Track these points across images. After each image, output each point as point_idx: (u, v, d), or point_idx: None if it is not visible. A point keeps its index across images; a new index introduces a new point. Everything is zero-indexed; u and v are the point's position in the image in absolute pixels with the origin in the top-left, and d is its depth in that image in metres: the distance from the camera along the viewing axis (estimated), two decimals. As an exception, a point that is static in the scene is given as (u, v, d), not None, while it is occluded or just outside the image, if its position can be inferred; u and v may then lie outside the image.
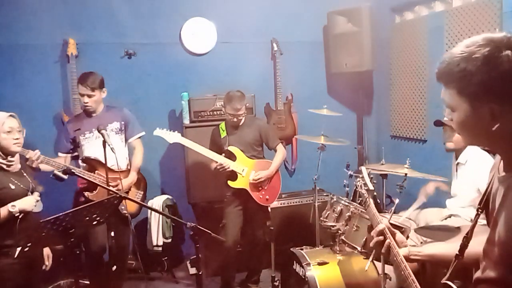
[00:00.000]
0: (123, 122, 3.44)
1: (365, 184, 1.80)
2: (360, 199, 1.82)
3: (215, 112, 4.10)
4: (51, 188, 2.80)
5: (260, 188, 3.59)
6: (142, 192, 3.53)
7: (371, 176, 1.98)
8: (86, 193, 3.19)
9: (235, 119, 3.49)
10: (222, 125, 3.64)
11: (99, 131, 2.96)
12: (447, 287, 1.30)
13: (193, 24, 4.35)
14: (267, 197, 3.62)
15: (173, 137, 3.49)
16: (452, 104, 1.14)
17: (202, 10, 4.35)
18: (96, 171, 3.22)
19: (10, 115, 2.51)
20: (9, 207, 2.37)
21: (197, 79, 4.33)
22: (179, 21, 4.32)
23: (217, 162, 3.46)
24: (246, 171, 3.53)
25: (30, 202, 2.47)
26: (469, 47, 1.08)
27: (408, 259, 1.45)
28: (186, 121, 4.11)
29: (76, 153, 3.37)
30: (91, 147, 3.32)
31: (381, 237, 1.53)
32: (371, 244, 1.56)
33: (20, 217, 2.41)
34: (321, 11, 4.51)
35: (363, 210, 2.77)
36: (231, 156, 3.55)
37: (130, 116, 3.53)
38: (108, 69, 4.12)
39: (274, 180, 3.68)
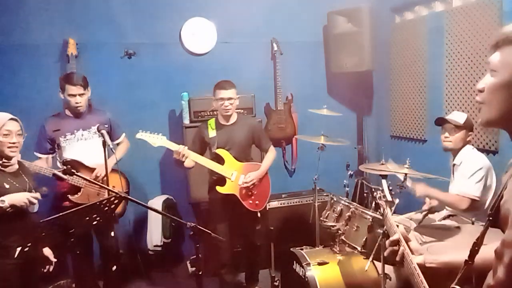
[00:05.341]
0: (106, 125, 3.26)
1: (384, 196, 1.87)
2: (376, 206, 1.89)
3: (215, 112, 4.06)
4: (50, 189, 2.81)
5: (250, 193, 3.43)
6: (126, 191, 3.40)
7: (391, 188, 2.08)
8: (70, 197, 3.13)
9: (224, 105, 3.27)
10: (212, 122, 3.43)
11: (98, 131, 2.96)
12: None
13: (193, 24, 4.35)
14: (256, 202, 3.46)
15: (158, 140, 3.20)
16: (500, 66, 1.11)
17: (202, 10, 4.35)
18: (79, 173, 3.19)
19: (12, 118, 2.44)
20: None
21: (197, 79, 4.32)
22: (179, 21, 4.32)
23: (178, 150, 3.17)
24: (235, 175, 3.38)
25: (19, 197, 2.41)
26: None
27: (423, 266, 1.41)
28: (186, 121, 4.11)
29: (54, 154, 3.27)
30: (72, 149, 3.23)
31: (396, 247, 1.50)
32: (385, 254, 1.54)
33: (9, 212, 2.36)
34: (321, 11, 4.51)
35: (363, 210, 2.78)
36: (219, 159, 3.38)
37: (113, 118, 3.45)
38: (108, 69, 4.14)
39: (264, 184, 3.51)
